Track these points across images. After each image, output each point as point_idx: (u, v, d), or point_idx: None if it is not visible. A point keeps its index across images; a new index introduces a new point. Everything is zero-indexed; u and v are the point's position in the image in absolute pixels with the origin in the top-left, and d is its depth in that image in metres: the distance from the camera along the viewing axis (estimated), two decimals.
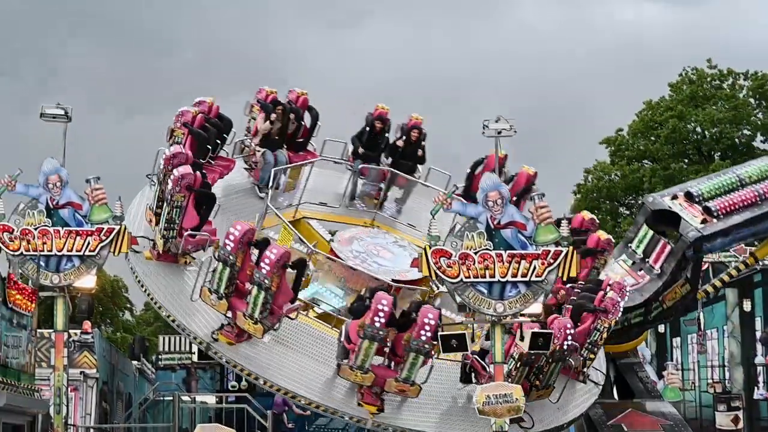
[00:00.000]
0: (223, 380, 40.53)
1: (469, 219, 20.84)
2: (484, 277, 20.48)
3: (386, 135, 27.62)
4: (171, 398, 31.92)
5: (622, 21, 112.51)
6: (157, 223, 23.05)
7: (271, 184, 25.36)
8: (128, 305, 74.50)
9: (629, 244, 25.74)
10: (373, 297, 20.83)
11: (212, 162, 24.47)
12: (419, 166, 27.93)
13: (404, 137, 27.41)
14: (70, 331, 27.08)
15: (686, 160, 54.02)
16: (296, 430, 33.32)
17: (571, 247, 20.67)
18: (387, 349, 20.97)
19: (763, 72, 54.49)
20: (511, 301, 20.57)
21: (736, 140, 53.40)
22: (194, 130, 24.00)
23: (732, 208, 23.62)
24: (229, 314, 21.24)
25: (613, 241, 26.08)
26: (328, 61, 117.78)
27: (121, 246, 21.26)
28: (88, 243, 21.05)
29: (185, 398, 34.90)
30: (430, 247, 20.54)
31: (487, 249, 20.52)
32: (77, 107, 21.45)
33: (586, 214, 26.63)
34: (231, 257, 20.67)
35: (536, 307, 20.81)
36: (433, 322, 20.56)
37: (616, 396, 26.86)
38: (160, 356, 46.00)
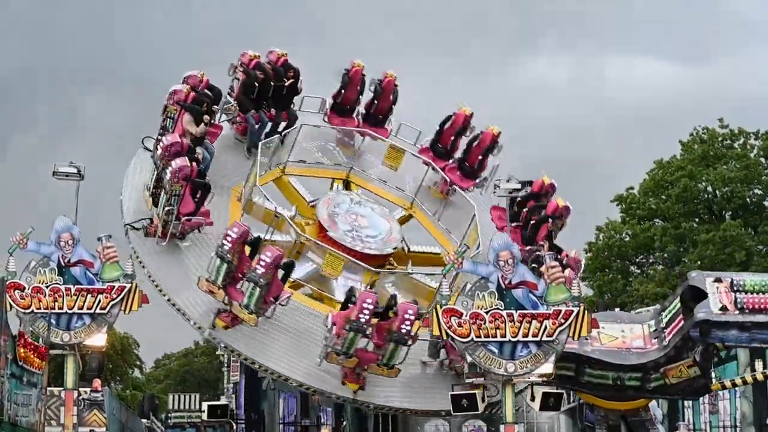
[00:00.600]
0: None
1: (480, 278, 20.85)
2: (495, 336, 20.50)
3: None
4: None
5: (634, 79, 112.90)
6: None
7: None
8: (138, 362, 74.44)
9: (661, 313, 25.72)
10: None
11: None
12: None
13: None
14: (80, 389, 27.05)
15: (697, 219, 53.95)
16: None
17: (582, 306, 20.70)
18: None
19: None
20: (522, 360, 20.56)
21: (748, 200, 53.30)
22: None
23: (762, 306, 23.10)
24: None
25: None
26: None
27: (132, 304, 21.35)
28: (99, 301, 21.14)
29: None
30: (441, 306, 20.56)
31: (498, 308, 20.53)
32: (94, 162, 21.69)
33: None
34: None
35: (547, 367, 20.76)
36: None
37: None
38: (169, 414, 45.98)
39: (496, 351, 20.55)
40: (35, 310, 21.08)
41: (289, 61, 27.88)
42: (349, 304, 22.58)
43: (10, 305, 21.18)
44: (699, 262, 47.47)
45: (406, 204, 28.79)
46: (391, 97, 28.69)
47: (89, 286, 21.20)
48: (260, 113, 27.05)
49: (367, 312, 21.83)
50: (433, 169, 28.41)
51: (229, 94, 27.27)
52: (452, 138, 28.60)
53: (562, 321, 20.53)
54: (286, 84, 27.48)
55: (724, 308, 22.74)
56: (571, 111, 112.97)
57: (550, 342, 20.55)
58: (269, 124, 27.39)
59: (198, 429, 44.09)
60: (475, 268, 21.17)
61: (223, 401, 39.66)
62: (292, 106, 27.87)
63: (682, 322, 23.67)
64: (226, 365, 52.79)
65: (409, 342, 22.32)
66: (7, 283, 21.25)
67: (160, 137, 24.79)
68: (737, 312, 22.34)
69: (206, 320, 23.04)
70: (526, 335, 20.49)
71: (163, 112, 25.22)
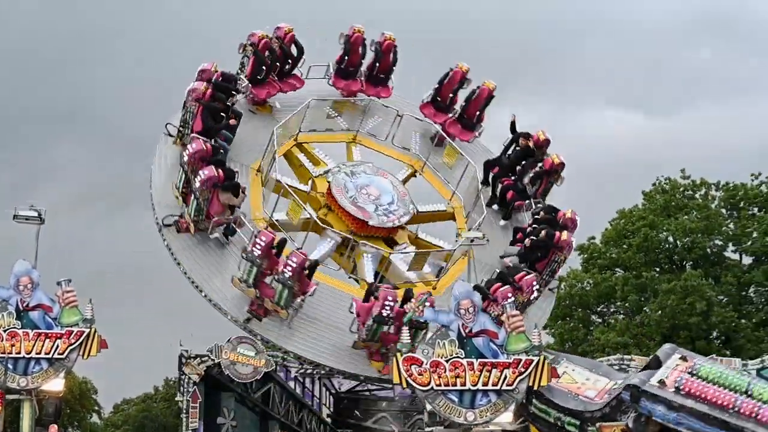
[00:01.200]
0: None
1: (441, 327, 20.85)
2: (455, 385, 20.47)
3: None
4: None
5: (597, 129, 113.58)
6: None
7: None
8: (96, 407, 73.71)
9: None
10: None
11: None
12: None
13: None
14: None
15: (658, 269, 54.14)
16: None
17: (542, 357, 20.73)
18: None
19: (735, 183, 54.93)
20: (482, 409, 20.54)
21: (708, 250, 53.60)
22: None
23: (699, 394, 22.63)
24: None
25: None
26: None
27: (90, 349, 21.18)
28: (57, 346, 20.97)
29: None
30: (401, 354, 20.54)
31: (458, 357, 20.52)
32: (56, 206, 21.60)
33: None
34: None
35: (507, 416, 20.74)
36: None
37: None
38: None
39: (456, 400, 20.53)
40: None
41: (296, 37, 29.34)
42: (372, 298, 24.20)
43: None
44: (660, 312, 47.63)
45: (413, 161, 29.96)
46: (391, 58, 30.06)
47: (47, 331, 21.03)
48: (224, 134, 27.38)
49: (389, 307, 23.59)
50: (446, 137, 29.85)
51: (239, 72, 28.68)
52: (451, 93, 30.26)
53: (522, 370, 20.55)
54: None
55: (662, 382, 22.49)
56: None
57: (510, 391, 20.53)
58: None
59: None
60: (436, 316, 21.20)
61: None
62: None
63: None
64: (185, 411, 52.37)
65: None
66: None
67: (182, 128, 26.57)
68: (672, 390, 22.04)
69: (240, 313, 25.04)
70: (486, 384, 20.48)
71: (183, 107, 26.59)
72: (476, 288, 24.34)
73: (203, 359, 30.32)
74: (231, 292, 24.92)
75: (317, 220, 26.52)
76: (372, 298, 24.20)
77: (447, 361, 20.49)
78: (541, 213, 27.82)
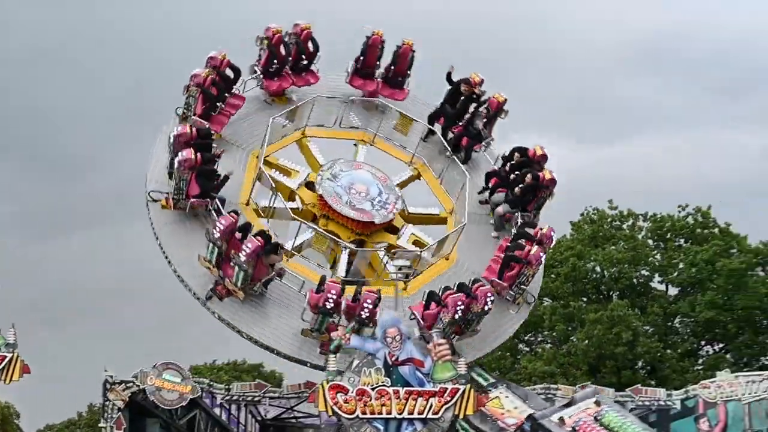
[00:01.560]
0: None
1: (367, 355, 20.81)
2: (381, 413, 20.41)
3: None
4: None
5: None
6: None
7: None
8: None
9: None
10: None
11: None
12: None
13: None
14: None
15: (585, 299, 54.48)
16: None
17: (468, 386, 20.76)
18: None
19: (662, 214, 55.45)
20: None
21: (635, 280, 54.01)
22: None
23: None
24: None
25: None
26: None
27: (12, 374, 20.93)
28: None
29: None
30: (327, 382, 20.46)
31: (384, 385, 20.48)
32: None
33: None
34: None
35: None
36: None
37: None
38: None
39: (381, 428, 20.48)
40: None
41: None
42: (321, 290, 24.33)
43: None
44: (586, 342, 47.91)
45: (416, 162, 30.04)
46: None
47: None
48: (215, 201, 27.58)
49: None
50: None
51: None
52: (376, 61, 30.69)
53: (448, 399, 20.55)
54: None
55: (561, 420, 22.88)
56: None
57: (435, 420, 20.52)
58: None
59: None
60: (363, 344, 21.18)
61: None
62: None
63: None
64: None
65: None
66: None
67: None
68: (569, 430, 22.48)
69: (203, 291, 25.39)
70: (411, 412, 20.45)
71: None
72: (429, 294, 24.54)
73: (128, 385, 30.00)
74: (201, 270, 25.28)
75: (339, 242, 26.96)
76: (321, 290, 24.36)
77: (373, 390, 20.44)
78: (516, 155, 29.19)
